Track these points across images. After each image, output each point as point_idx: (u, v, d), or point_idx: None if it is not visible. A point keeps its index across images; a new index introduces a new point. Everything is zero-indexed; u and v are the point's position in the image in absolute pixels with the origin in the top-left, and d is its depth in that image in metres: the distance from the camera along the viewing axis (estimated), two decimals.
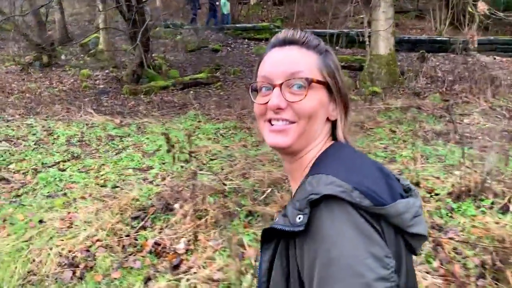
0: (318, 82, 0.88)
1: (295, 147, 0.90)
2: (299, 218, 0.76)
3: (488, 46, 10.64)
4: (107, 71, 11.59)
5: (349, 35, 12.08)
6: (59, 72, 11.84)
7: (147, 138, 5.76)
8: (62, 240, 3.20)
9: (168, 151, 3.77)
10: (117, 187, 4.18)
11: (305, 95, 0.87)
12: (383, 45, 9.40)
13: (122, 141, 5.67)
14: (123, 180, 4.30)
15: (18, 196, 4.00)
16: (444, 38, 11.41)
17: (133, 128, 6.37)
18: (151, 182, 4.29)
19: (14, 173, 4.47)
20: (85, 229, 3.33)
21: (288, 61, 0.89)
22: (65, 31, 14.51)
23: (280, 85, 0.88)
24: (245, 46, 13.51)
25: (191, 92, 10.22)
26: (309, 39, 0.91)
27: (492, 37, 10.40)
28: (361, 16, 9.72)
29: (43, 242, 3.21)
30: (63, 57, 13.11)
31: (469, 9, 5.31)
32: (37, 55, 12.42)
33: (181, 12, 16.21)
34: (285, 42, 0.92)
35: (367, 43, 9.55)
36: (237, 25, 14.85)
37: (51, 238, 3.25)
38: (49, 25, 15.01)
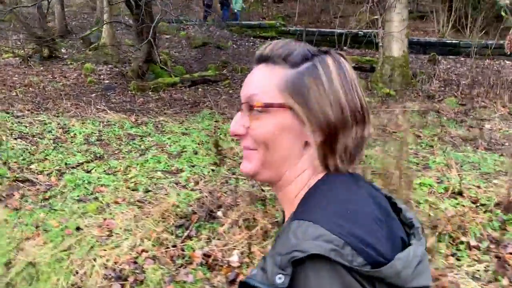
0: (268, 105, 0.75)
1: (264, 176, 0.80)
2: (279, 279, 0.65)
3: (498, 50, 10.61)
4: (110, 65, 11.29)
5: (358, 35, 11.97)
6: (60, 65, 11.50)
7: (169, 138, 5.55)
8: (105, 250, 3.00)
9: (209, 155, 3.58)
10: (150, 191, 3.97)
11: (251, 121, 0.77)
12: (397, 47, 9.30)
13: (143, 141, 5.45)
14: (155, 184, 4.10)
15: (46, 199, 3.77)
16: (455, 41, 11.36)
17: (150, 127, 6.15)
18: (184, 187, 4.09)
19: (37, 174, 4.23)
20: (126, 238, 3.13)
21: (249, 82, 0.80)
22: (65, 23, 14.13)
23: (241, 109, 0.80)
24: (251, 44, 13.32)
25: (200, 89, 10.00)
26: (276, 53, 0.78)
27: (502, 41, 10.37)
28: (375, 17, 9.60)
29: (83, 251, 3.00)
30: (63, 50, 12.76)
31: (502, 13, 5.21)
32: (37, 47, 12.05)
33: (189, 8, 15.94)
34: (258, 60, 0.81)
35: (380, 44, 9.44)
36: (243, 22, 14.63)
37: (92, 247, 3.04)
38: (48, 17, 14.62)
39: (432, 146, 5.64)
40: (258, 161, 0.79)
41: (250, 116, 0.78)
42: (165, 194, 3.87)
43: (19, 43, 13.29)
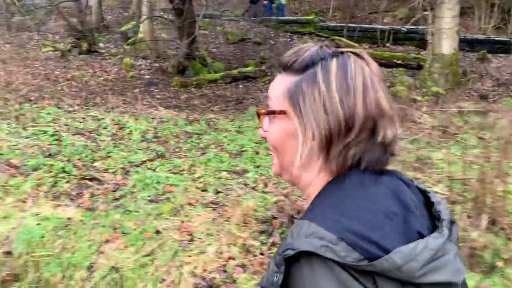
0: (270, 112, 0.80)
1: (285, 178, 0.85)
2: (276, 277, 0.68)
3: None
4: (149, 61, 11.23)
5: (401, 31, 11.62)
6: (100, 60, 11.50)
7: (225, 137, 5.40)
8: (190, 256, 2.85)
9: None
10: (220, 192, 3.83)
11: (262, 126, 0.84)
12: (447, 44, 8.94)
13: (200, 139, 5.32)
14: (224, 185, 3.95)
15: (116, 199, 3.66)
16: (505, 39, 10.90)
17: (203, 124, 6.02)
18: (254, 188, 3.93)
19: (102, 172, 4.13)
20: (210, 244, 2.98)
21: (269, 89, 0.84)
22: (101, 18, 14.17)
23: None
24: (288, 39, 13.08)
25: (240, 86, 9.85)
26: (285, 61, 0.80)
27: None
28: (426, 13, 9.26)
29: (167, 257, 2.86)
30: (101, 44, 12.78)
31: None
32: (76, 41, 12.09)
33: (230, 2, 15.77)
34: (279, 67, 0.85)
35: (430, 41, 9.10)
36: (279, 18, 14.39)
37: (175, 252, 2.90)
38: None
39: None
40: (277, 164, 0.83)
41: (267, 121, 0.82)
42: (237, 196, 3.72)
43: (57, 37, 13.40)
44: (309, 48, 0.79)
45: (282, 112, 0.78)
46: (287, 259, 0.66)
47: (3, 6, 15.04)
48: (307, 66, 0.77)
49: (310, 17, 13.85)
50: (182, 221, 3.28)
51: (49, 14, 13.49)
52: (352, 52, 0.78)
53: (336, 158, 0.74)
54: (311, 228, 0.65)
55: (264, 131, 0.83)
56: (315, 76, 0.75)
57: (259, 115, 0.83)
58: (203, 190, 3.85)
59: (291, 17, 14.75)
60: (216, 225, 3.18)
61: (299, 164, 0.77)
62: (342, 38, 11.50)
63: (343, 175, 0.75)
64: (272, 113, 0.80)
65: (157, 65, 10.93)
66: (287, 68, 0.79)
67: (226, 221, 3.23)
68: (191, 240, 3.04)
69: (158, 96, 8.45)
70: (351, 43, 11.19)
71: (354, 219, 0.66)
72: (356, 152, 0.74)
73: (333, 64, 0.75)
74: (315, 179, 0.78)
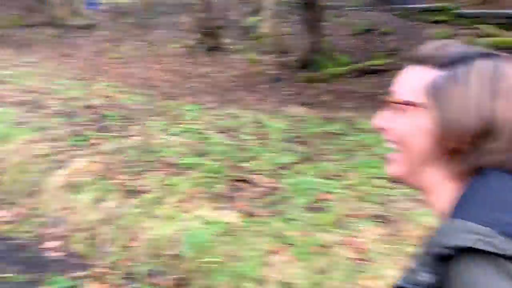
0: (406, 103, 0.75)
1: (407, 179, 0.78)
2: (424, 277, 0.63)
3: None
4: (272, 55, 11.20)
5: None
6: (225, 56, 11.78)
7: (370, 139, 5.01)
8: (368, 280, 2.57)
9: None
10: (382, 203, 3.47)
11: (391, 117, 0.78)
12: None
13: (343, 139, 5.01)
14: (385, 195, 3.59)
15: (272, 204, 3.52)
16: None
17: (341, 123, 5.69)
18: (421, 201, 3.50)
19: (251, 173, 4.04)
20: (389, 267, 2.65)
21: (398, 79, 0.79)
22: (224, 14, 14.55)
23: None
24: (420, 29, 12.09)
25: (370, 80, 9.31)
26: (425, 54, 0.75)
27: None
28: None
29: (342, 277, 2.61)
30: (225, 40, 13.10)
31: None
32: (201, 38, 12.54)
33: None
34: (411, 60, 0.78)
35: None
36: (408, 6, 13.41)
37: (350, 273, 2.64)
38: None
39: None
40: (400, 162, 0.78)
41: (392, 112, 0.78)
42: (405, 210, 3.34)
43: (184, 34, 14.09)
44: (455, 44, 0.76)
45: (418, 105, 0.73)
46: (440, 258, 0.61)
47: (137, 6, 16.28)
48: (450, 63, 0.73)
49: (445, 4, 12.62)
50: (349, 236, 3.00)
51: (177, 11, 14.22)
52: (501, 55, 0.74)
53: (467, 161, 0.70)
54: (464, 225, 0.61)
55: (388, 122, 0.78)
56: (462, 74, 0.71)
57: (391, 103, 0.78)
58: (362, 200, 3.53)
59: (421, 5, 13.64)
60: (391, 244, 2.85)
61: (425, 163, 0.74)
62: (482, 26, 10.26)
63: (481, 174, 0.69)
64: (407, 104, 0.74)
65: (280, 60, 10.84)
66: (425, 61, 0.75)
67: (403, 240, 2.88)
68: (364, 259, 2.75)
69: (286, 92, 8.32)
70: (495, 32, 9.92)
71: (507, 212, 0.62)
72: (493, 160, 0.69)
73: (480, 65, 0.71)
74: (442, 182, 0.74)
